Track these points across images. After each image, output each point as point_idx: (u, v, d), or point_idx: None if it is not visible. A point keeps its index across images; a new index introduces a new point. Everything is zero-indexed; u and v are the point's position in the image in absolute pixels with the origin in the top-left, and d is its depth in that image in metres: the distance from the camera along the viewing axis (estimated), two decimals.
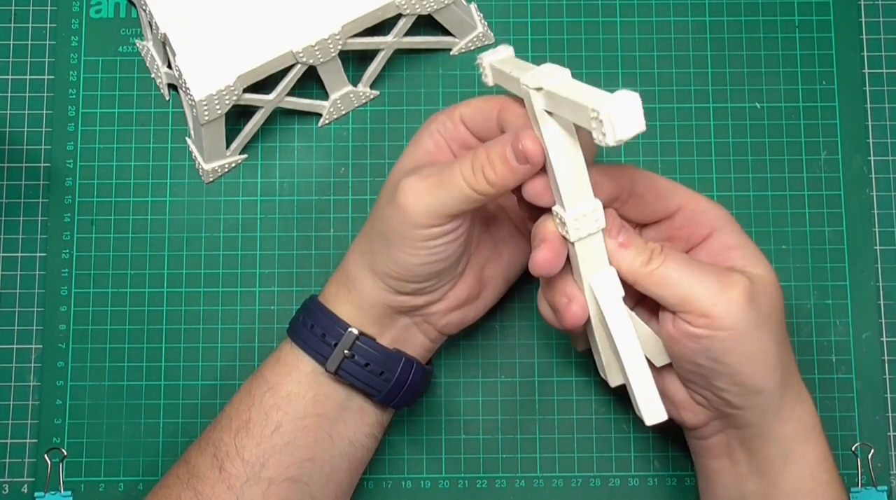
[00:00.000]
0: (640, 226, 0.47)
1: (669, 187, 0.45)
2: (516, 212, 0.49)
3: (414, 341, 0.48)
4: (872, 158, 0.56)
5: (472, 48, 0.57)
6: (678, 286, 0.42)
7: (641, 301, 0.47)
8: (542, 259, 0.43)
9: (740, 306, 0.42)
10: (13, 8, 0.57)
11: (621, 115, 0.36)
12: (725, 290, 0.42)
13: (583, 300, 0.44)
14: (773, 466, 0.45)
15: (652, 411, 0.43)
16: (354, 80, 0.56)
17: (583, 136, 0.40)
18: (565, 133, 0.40)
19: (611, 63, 0.57)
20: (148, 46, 0.56)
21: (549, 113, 0.40)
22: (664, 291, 0.43)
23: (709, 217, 0.45)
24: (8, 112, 0.56)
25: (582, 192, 0.41)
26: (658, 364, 0.45)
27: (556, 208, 0.42)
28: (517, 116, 0.44)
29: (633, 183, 0.44)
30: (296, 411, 0.46)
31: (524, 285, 0.54)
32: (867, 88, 0.57)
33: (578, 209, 0.41)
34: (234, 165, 0.56)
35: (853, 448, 0.54)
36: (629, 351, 0.43)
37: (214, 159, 0.55)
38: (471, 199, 0.42)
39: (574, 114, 0.38)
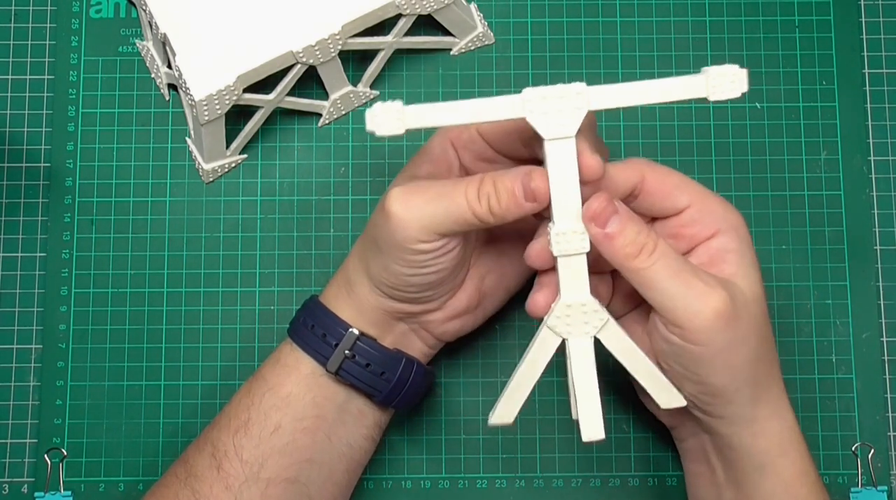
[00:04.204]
0: (651, 219, 0.46)
1: (680, 185, 0.45)
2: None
3: (412, 347, 0.48)
4: (872, 158, 0.56)
5: (472, 48, 0.57)
6: (662, 293, 0.42)
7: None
8: (538, 250, 0.43)
9: (716, 326, 0.41)
10: (13, 8, 0.57)
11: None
12: (705, 308, 0.41)
13: (548, 295, 0.43)
14: (748, 478, 0.45)
15: (592, 428, 0.43)
16: (354, 81, 0.56)
17: (583, 160, 0.41)
18: (567, 153, 0.41)
19: (611, 63, 0.57)
20: (148, 46, 0.56)
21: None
22: (647, 291, 0.42)
23: (715, 218, 0.44)
24: (8, 112, 0.56)
25: (571, 211, 0.41)
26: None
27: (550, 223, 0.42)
28: None
29: (642, 181, 0.44)
30: (295, 412, 0.46)
31: (524, 288, 0.53)
32: (867, 88, 0.57)
33: (564, 226, 0.41)
34: (234, 165, 0.56)
35: (853, 448, 0.54)
36: (582, 379, 0.43)
37: (214, 159, 0.55)
38: (467, 222, 0.42)
39: None
